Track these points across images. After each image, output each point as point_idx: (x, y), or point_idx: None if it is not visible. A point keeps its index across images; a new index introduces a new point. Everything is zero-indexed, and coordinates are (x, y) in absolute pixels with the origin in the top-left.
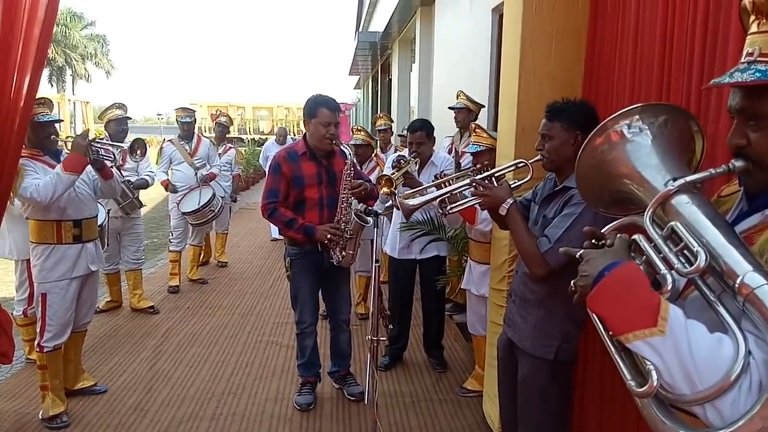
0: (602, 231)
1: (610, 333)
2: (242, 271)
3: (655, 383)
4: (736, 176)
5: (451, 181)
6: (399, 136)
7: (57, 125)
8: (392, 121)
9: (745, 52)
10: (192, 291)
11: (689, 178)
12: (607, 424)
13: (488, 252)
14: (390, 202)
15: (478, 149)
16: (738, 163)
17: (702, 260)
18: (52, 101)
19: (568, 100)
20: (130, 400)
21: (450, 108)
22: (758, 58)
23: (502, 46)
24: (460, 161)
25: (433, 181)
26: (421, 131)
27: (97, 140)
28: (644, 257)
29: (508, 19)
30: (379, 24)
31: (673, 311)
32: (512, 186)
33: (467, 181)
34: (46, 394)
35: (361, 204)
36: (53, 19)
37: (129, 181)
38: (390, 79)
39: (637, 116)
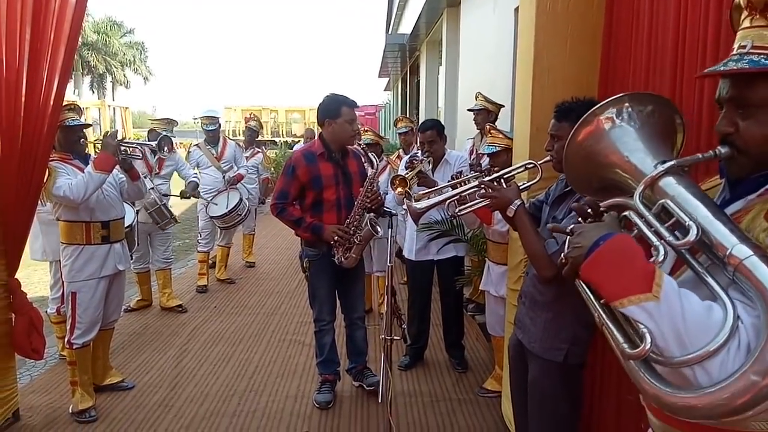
0: (592, 209)
1: (602, 301)
2: (269, 272)
3: (648, 345)
4: (716, 171)
5: (464, 183)
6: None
7: (85, 130)
8: (413, 123)
9: (737, 45)
10: (219, 291)
11: (678, 161)
12: (624, 429)
13: (506, 253)
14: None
15: (494, 150)
16: (724, 150)
17: (693, 233)
18: (80, 107)
19: (576, 99)
20: (156, 396)
21: (469, 110)
22: (751, 50)
23: (517, 46)
24: (481, 162)
25: (448, 181)
26: (432, 130)
27: (125, 140)
28: (635, 232)
29: (523, 19)
30: (407, 26)
31: (667, 278)
32: (521, 187)
33: (476, 182)
34: (76, 389)
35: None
36: (80, 24)
37: (166, 195)
38: (418, 81)
39: (627, 103)
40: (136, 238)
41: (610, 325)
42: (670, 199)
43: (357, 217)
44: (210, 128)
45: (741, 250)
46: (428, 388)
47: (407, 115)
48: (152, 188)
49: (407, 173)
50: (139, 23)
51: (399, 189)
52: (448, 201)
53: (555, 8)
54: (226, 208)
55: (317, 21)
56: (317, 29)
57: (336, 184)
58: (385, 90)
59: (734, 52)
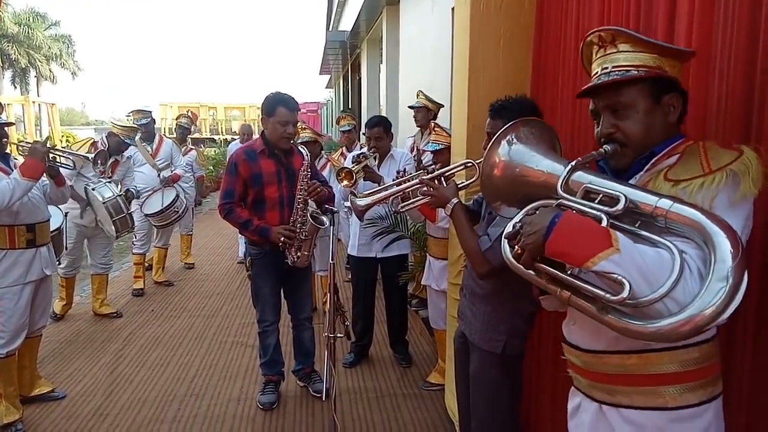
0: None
1: (569, 271)
2: (209, 273)
3: (628, 289)
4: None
5: (407, 180)
6: (363, 134)
7: (7, 128)
8: (355, 121)
9: (599, 70)
10: (157, 294)
11: (581, 158)
12: (560, 417)
13: (446, 248)
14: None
15: (438, 147)
16: (609, 146)
17: (623, 199)
18: (2, 103)
19: (509, 98)
20: (89, 405)
21: (409, 107)
22: (611, 70)
23: (454, 45)
24: (422, 159)
25: (394, 179)
26: (379, 126)
27: (56, 147)
28: (574, 211)
29: (459, 18)
30: (347, 23)
31: (619, 234)
32: (460, 186)
33: (418, 180)
34: (0, 402)
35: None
36: None
37: (128, 190)
38: (360, 79)
39: (522, 128)
40: (64, 242)
41: (587, 285)
42: (588, 183)
43: (300, 212)
44: (142, 122)
45: (664, 203)
46: (373, 384)
47: (350, 113)
48: (119, 195)
49: (353, 167)
50: (65, 15)
51: (345, 182)
52: (392, 197)
53: (489, 8)
54: (161, 205)
55: (257, 16)
56: (257, 24)
57: (278, 181)
58: (326, 87)
59: (599, 73)
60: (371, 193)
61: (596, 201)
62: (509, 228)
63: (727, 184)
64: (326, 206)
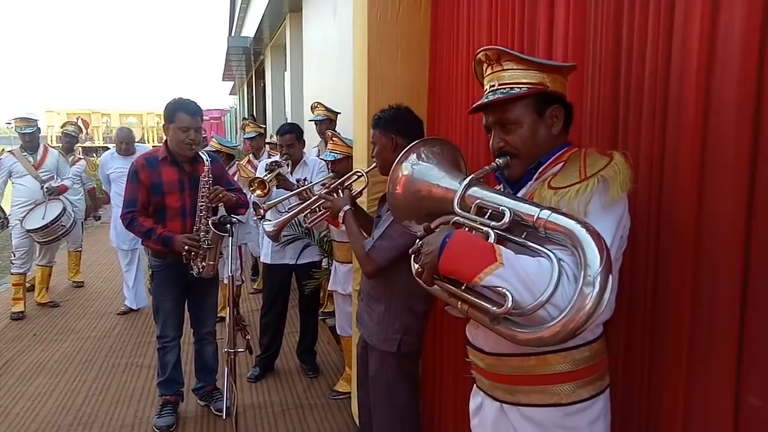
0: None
1: (463, 287)
2: (100, 291)
3: (510, 302)
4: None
5: (308, 191)
6: (267, 143)
7: None
8: (261, 127)
9: (488, 87)
10: (40, 316)
11: (474, 174)
12: (462, 414)
13: (350, 251)
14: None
15: (335, 157)
16: (501, 160)
17: (508, 214)
18: None
19: (390, 108)
20: None
21: (311, 121)
22: (498, 87)
23: (353, 53)
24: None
25: (295, 187)
26: (291, 134)
27: None
28: (466, 228)
29: (357, 26)
30: (250, 29)
31: (503, 248)
32: (354, 194)
33: (317, 196)
34: None
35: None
36: None
37: None
38: (264, 85)
39: (422, 148)
40: None
41: (478, 300)
42: (480, 199)
43: (203, 220)
44: (26, 131)
45: (544, 213)
46: (279, 397)
47: (253, 119)
48: None
49: (266, 176)
50: None
51: (258, 192)
52: (301, 214)
53: (385, 16)
54: (45, 219)
55: (157, 19)
56: (156, 28)
57: (181, 190)
58: (230, 94)
59: (487, 91)
60: (274, 204)
61: (486, 216)
62: (416, 245)
63: (599, 189)
64: (223, 216)
